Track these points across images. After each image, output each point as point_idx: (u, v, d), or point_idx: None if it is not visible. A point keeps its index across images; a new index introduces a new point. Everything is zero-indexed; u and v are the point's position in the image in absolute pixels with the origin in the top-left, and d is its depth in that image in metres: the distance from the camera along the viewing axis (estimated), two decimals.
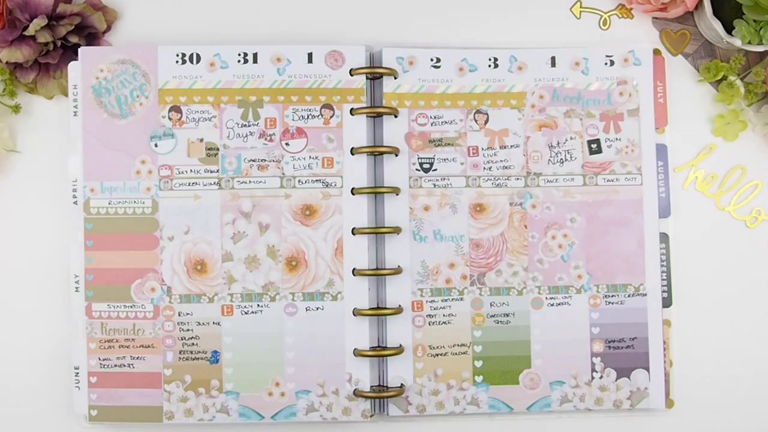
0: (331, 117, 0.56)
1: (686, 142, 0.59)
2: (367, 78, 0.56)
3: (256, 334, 0.56)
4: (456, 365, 0.56)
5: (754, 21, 0.55)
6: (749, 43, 0.55)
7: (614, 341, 0.56)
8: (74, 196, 0.56)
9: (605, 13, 0.59)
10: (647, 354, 0.56)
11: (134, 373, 0.55)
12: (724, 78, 0.58)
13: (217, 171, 0.56)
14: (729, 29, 0.56)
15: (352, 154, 0.56)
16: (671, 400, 0.57)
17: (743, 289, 0.59)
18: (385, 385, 0.56)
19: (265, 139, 0.56)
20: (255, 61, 0.56)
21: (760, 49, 0.55)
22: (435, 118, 0.57)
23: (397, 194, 0.56)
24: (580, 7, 0.59)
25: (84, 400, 0.56)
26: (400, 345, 0.56)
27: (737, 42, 0.55)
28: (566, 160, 0.57)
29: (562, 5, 0.59)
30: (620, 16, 0.59)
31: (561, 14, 0.59)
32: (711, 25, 0.56)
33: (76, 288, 0.56)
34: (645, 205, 0.57)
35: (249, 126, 0.56)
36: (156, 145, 0.56)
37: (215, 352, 0.56)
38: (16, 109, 0.57)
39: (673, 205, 0.58)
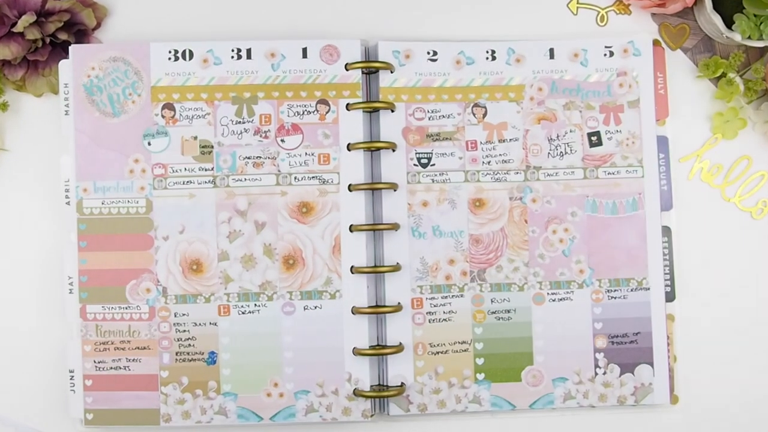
0: (327, 112, 0.59)
1: (688, 133, 0.62)
2: (363, 72, 0.59)
3: (253, 334, 0.58)
4: (457, 363, 0.59)
5: (755, 15, 0.58)
6: (749, 38, 0.58)
7: (617, 336, 0.59)
8: (67, 197, 0.59)
9: (602, 9, 0.62)
10: (651, 349, 0.59)
11: (130, 375, 0.58)
12: (724, 75, 0.61)
13: (212, 169, 0.59)
14: (729, 24, 0.59)
15: (349, 149, 0.59)
16: (675, 396, 0.60)
17: (748, 282, 0.61)
18: (385, 384, 0.59)
19: (260, 136, 0.59)
20: (249, 56, 0.59)
21: (760, 44, 0.58)
22: (432, 112, 0.60)
23: (395, 190, 0.59)
24: (577, 3, 0.62)
25: (80, 403, 0.58)
26: (400, 343, 0.59)
27: (737, 37, 0.58)
28: (566, 153, 0.60)
29: (559, 1, 0.62)
30: (618, 12, 0.62)
31: (558, 10, 0.62)
32: (711, 20, 0.59)
33: (70, 290, 0.59)
34: (646, 197, 0.60)
35: (243, 123, 0.59)
36: (149, 144, 0.59)
37: (212, 353, 0.59)
38: (4, 106, 0.60)
39: (678, 197, 0.61)
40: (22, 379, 0.61)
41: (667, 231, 0.60)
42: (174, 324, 0.59)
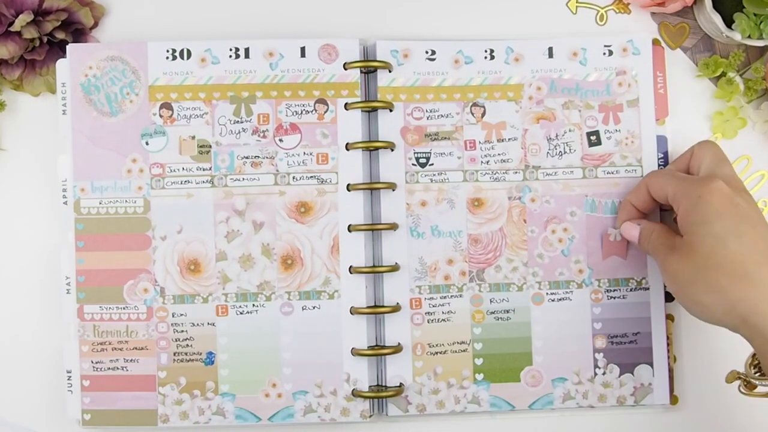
0: (325, 112, 0.60)
1: (687, 133, 0.62)
2: (361, 72, 0.60)
3: (251, 335, 0.59)
4: (456, 363, 0.59)
5: (755, 15, 0.58)
6: (749, 37, 0.58)
7: (617, 336, 0.60)
8: (64, 197, 0.59)
9: (601, 8, 0.62)
10: (650, 349, 0.60)
11: (128, 375, 0.59)
12: (723, 74, 0.61)
13: (210, 168, 0.59)
14: (729, 23, 0.59)
15: (347, 149, 0.59)
16: (675, 396, 0.60)
17: None
18: (383, 384, 0.59)
19: (258, 136, 0.60)
20: (247, 56, 0.59)
21: (760, 43, 0.59)
22: (431, 111, 0.60)
23: (394, 190, 0.59)
24: (576, 2, 0.62)
25: (77, 404, 0.59)
26: (399, 343, 0.59)
27: (737, 36, 0.58)
28: (565, 152, 0.60)
29: (558, 0, 0.62)
30: (617, 11, 0.62)
31: (557, 9, 0.62)
32: (710, 19, 0.59)
33: (68, 290, 0.59)
34: None
35: (242, 122, 0.59)
36: (147, 143, 0.59)
37: (210, 353, 0.59)
38: (1, 106, 0.60)
39: None
40: (18, 380, 0.61)
41: None
42: (172, 324, 0.59)
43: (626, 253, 0.60)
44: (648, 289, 0.60)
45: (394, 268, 0.59)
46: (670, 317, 0.61)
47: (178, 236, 0.59)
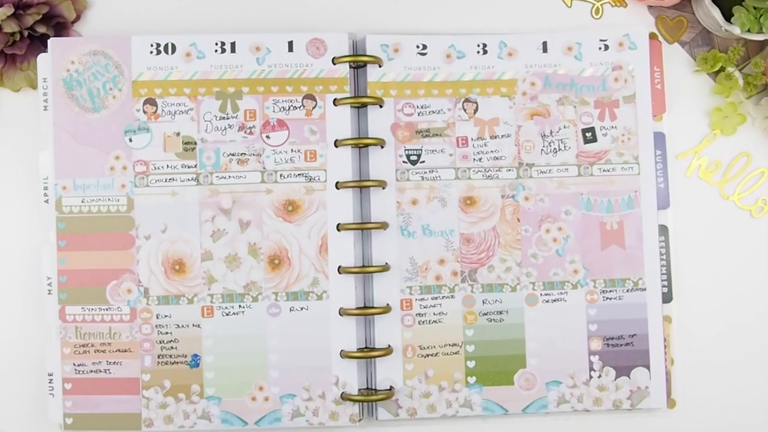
0: (314, 108, 0.59)
1: (685, 130, 0.61)
2: (350, 67, 0.59)
3: (237, 337, 0.58)
4: (448, 366, 0.59)
5: (754, 8, 0.58)
6: (748, 31, 0.58)
7: (613, 338, 0.59)
8: (45, 195, 0.59)
9: (597, 1, 0.62)
10: (647, 351, 0.59)
11: (111, 378, 0.58)
12: (722, 69, 0.61)
13: (195, 166, 0.59)
14: (728, 17, 0.58)
15: (336, 146, 0.59)
16: (673, 400, 0.60)
17: (748, 283, 0.61)
18: (373, 387, 0.59)
19: (245, 132, 0.59)
20: (233, 50, 0.59)
21: (760, 37, 0.58)
22: (422, 107, 0.60)
23: (384, 188, 0.59)
24: None
25: (59, 407, 0.58)
26: (389, 345, 0.59)
27: (736, 30, 0.58)
28: (560, 149, 0.60)
29: None
30: (613, 4, 0.62)
31: (551, 3, 0.62)
32: (709, 12, 0.58)
33: (49, 291, 0.58)
34: (643, 195, 0.60)
35: (228, 118, 0.59)
36: (130, 140, 0.59)
37: (195, 355, 0.58)
38: None
39: (675, 195, 0.61)
40: None
41: (663, 230, 0.60)
42: (156, 326, 0.58)
43: (624, 242, 0.59)
44: (645, 290, 0.60)
45: (384, 268, 0.58)
46: (667, 319, 0.60)
47: (162, 235, 0.58)
